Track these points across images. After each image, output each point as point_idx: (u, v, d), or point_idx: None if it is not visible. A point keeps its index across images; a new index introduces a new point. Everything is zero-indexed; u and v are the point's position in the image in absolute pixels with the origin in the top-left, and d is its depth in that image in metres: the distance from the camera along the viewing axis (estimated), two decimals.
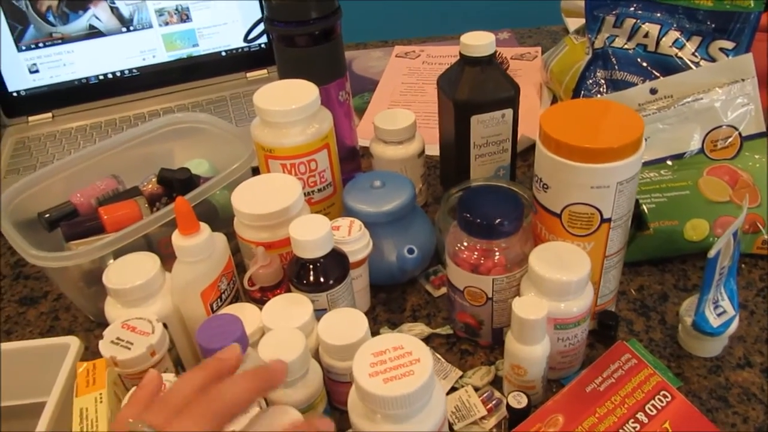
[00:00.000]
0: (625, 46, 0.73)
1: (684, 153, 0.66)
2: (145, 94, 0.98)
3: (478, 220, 0.51)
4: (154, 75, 0.98)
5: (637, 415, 0.47)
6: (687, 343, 0.55)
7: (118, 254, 0.57)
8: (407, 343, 0.42)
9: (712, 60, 0.69)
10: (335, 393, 0.53)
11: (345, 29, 0.70)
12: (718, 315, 0.52)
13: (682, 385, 0.53)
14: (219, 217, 0.66)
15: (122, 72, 0.96)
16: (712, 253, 0.48)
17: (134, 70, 0.97)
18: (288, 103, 0.61)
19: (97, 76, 0.96)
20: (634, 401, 0.48)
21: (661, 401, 0.48)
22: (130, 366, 0.50)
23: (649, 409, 0.48)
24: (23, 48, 0.91)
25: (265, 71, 1.01)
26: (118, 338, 0.51)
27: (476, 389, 0.54)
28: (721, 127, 0.65)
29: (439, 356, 0.57)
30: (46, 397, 0.51)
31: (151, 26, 0.95)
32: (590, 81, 0.75)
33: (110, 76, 0.96)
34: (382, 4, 1.66)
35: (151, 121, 0.74)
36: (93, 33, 0.93)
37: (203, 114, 0.75)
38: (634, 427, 0.47)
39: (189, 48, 0.98)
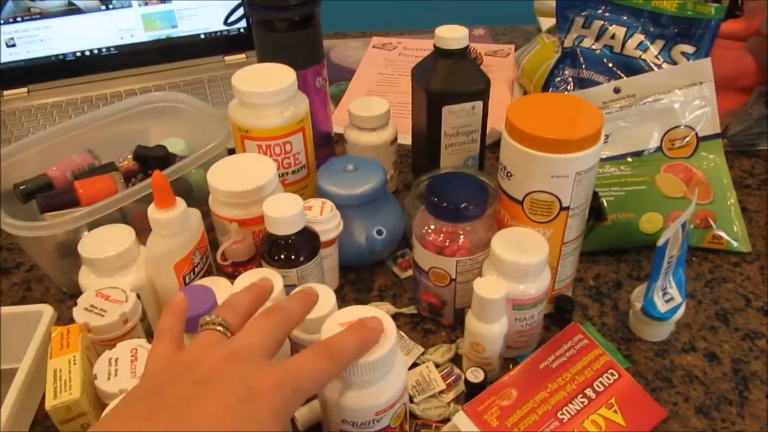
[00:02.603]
0: (593, 47, 0.76)
1: (643, 150, 0.69)
2: (122, 73, 0.98)
3: (445, 204, 0.54)
4: (132, 54, 0.98)
5: (586, 391, 0.50)
6: (636, 328, 0.59)
7: (92, 227, 0.58)
8: (373, 315, 0.44)
9: (674, 63, 0.72)
10: None
11: (324, 19, 0.72)
12: (666, 301, 0.55)
13: (630, 366, 0.56)
14: (194, 195, 0.67)
15: (100, 50, 0.97)
16: (660, 242, 0.51)
17: (112, 49, 0.97)
18: (266, 85, 0.63)
19: (75, 53, 0.96)
20: (583, 378, 0.51)
21: (609, 379, 0.51)
22: (102, 332, 0.51)
23: (597, 385, 0.51)
24: (1, 22, 0.91)
25: (243, 55, 1.02)
26: (91, 306, 0.52)
27: (437, 365, 0.56)
28: (679, 127, 0.69)
29: (403, 334, 0.59)
30: (18, 363, 0.53)
31: (130, 5, 0.95)
32: (558, 78, 0.78)
33: (87, 53, 0.96)
34: None
35: (130, 99, 0.75)
36: (72, 9, 0.93)
37: (181, 93, 0.76)
38: (582, 402, 0.50)
39: (168, 29, 0.98)
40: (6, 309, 0.56)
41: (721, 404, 0.53)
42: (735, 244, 0.66)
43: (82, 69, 0.97)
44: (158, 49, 0.99)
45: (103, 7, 0.94)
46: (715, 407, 0.53)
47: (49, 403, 0.44)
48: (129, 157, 0.71)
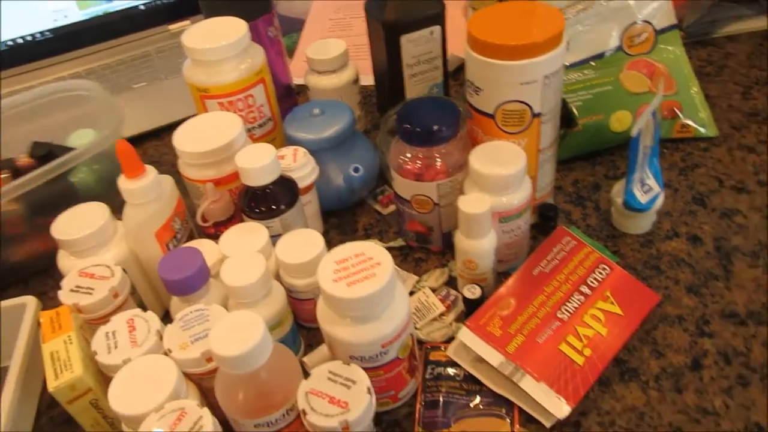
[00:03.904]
0: None
1: (604, 52, 0.69)
2: (63, 57, 0.94)
3: (418, 129, 0.53)
4: (70, 36, 0.94)
5: (581, 288, 0.51)
6: (620, 223, 0.60)
7: None
8: (368, 249, 0.44)
9: None
10: (300, 311, 0.55)
11: None
12: (645, 192, 0.56)
13: (619, 261, 0.57)
14: (80, 199, 0.57)
15: (33, 36, 0.92)
16: (634, 132, 0.52)
17: (47, 33, 0.93)
18: (218, 40, 0.61)
19: (6, 42, 0.91)
20: (577, 277, 0.52)
21: (601, 273, 0.53)
22: (94, 310, 0.50)
23: (591, 281, 0.52)
24: None
25: (188, 22, 0.99)
26: (77, 286, 0.51)
27: (433, 290, 0.57)
28: (636, 23, 0.69)
29: (395, 267, 0.60)
30: (8, 361, 0.52)
31: None
32: None
33: (20, 41, 0.92)
34: None
35: (32, 91, 0.71)
36: None
37: (87, 81, 0.72)
38: (580, 299, 0.51)
39: (104, 4, 0.94)
40: None
41: (709, 281, 0.55)
42: (702, 130, 0.67)
43: (18, 58, 0.92)
44: (97, 26, 0.95)
45: None
46: (703, 285, 0.55)
47: (52, 385, 0.44)
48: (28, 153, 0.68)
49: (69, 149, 0.64)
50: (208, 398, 0.46)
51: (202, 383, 0.46)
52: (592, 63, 0.69)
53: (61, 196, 0.51)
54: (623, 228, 0.60)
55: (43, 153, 0.66)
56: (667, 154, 0.67)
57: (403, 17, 0.65)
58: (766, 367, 0.49)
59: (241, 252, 0.51)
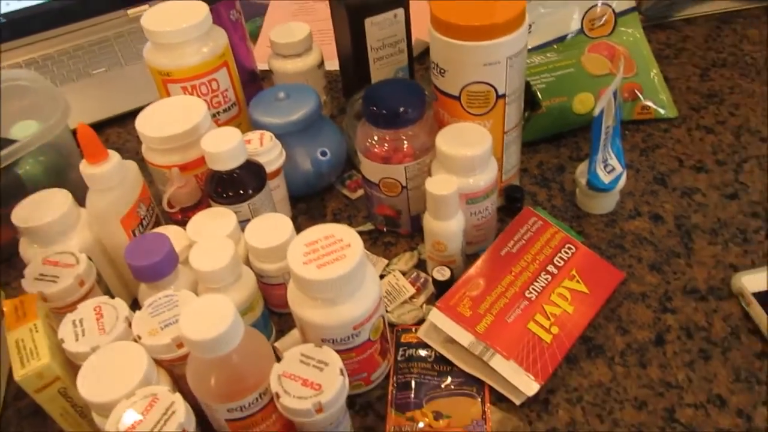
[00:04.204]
0: None
1: (566, 35, 0.70)
2: (17, 43, 0.91)
3: (384, 111, 0.53)
4: (23, 21, 0.90)
5: (548, 268, 0.52)
6: (584, 203, 0.61)
7: None
8: (337, 231, 0.44)
9: None
10: (271, 297, 0.55)
11: None
12: (608, 172, 0.57)
13: (584, 240, 0.58)
14: (27, 191, 0.55)
15: None
16: (596, 112, 0.53)
17: None
18: (179, 22, 0.60)
19: None
20: (543, 257, 0.53)
21: (567, 253, 0.54)
22: (59, 299, 0.49)
23: (557, 261, 0.53)
24: None
25: (146, 6, 0.96)
26: (41, 274, 0.50)
27: (403, 273, 0.57)
28: (596, 6, 0.70)
29: (365, 251, 0.60)
30: None
31: None
32: None
33: None
34: None
35: None
36: None
37: (24, 71, 0.68)
38: (547, 278, 0.52)
39: None
40: None
41: (671, 258, 0.56)
42: (662, 111, 0.69)
43: None
44: (51, 11, 0.92)
45: None
46: (665, 262, 0.56)
47: (18, 374, 0.43)
48: None
49: (11, 141, 0.61)
50: (179, 386, 0.46)
51: (173, 370, 0.46)
52: (555, 46, 0.70)
53: (8, 188, 0.48)
54: (587, 208, 0.61)
55: None
56: (628, 136, 0.68)
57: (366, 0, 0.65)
58: (727, 341, 0.50)
59: (210, 237, 0.51)
